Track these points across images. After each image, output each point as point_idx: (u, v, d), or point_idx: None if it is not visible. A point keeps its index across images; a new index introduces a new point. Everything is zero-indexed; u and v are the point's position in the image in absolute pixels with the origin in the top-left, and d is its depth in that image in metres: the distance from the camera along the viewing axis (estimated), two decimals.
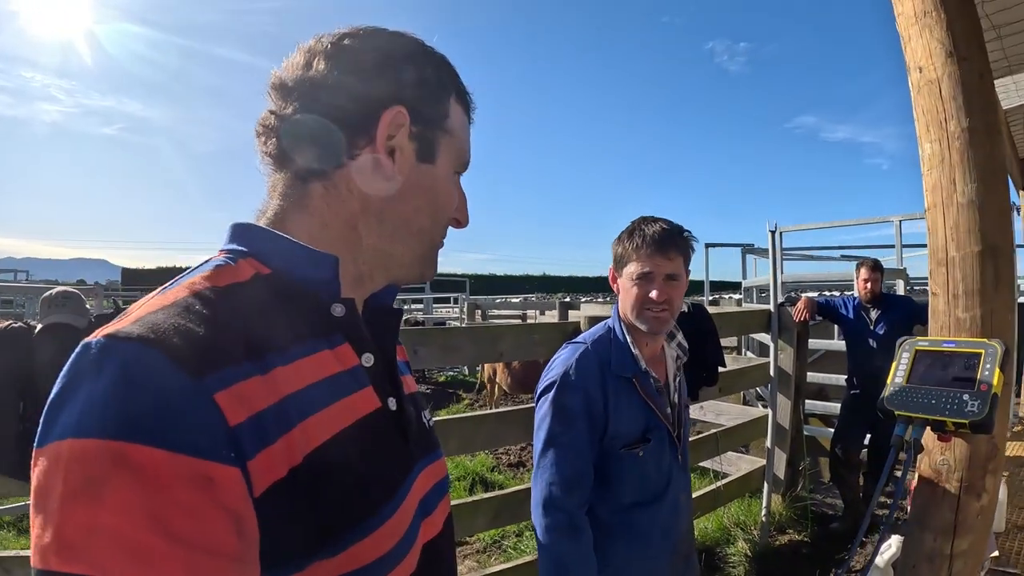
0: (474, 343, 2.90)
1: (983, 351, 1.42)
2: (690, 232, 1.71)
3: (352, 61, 0.70)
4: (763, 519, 4.30)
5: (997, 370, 1.39)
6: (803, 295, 4.65)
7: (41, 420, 0.52)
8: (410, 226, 0.74)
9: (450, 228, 0.82)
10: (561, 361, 1.74)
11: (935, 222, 1.65)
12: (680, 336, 1.93)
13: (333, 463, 0.61)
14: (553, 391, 1.68)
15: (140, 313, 0.57)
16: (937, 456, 1.65)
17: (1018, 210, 7.01)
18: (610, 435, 1.68)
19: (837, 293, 11.35)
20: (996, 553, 2.83)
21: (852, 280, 5.36)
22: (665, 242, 1.66)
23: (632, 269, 1.69)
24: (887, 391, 1.51)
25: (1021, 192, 7.07)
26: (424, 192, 0.74)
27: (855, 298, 4.79)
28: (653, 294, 1.65)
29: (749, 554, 3.96)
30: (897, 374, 1.51)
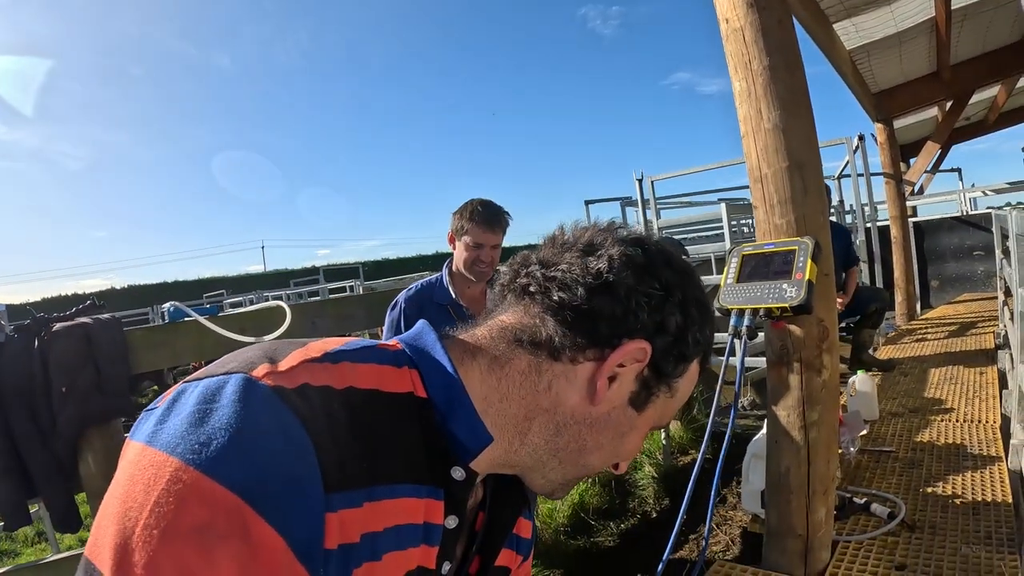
0: (367, 309, 3.16)
1: (797, 248, 1.72)
2: (508, 212, 2.38)
3: (635, 276, 0.67)
4: (663, 443, 4.68)
5: (810, 261, 1.69)
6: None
7: (164, 406, 0.52)
8: (581, 455, 0.70)
9: None
10: (402, 293, 2.47)
11: (749, 147, 1.94)
12: None
13: None
14: (388, 308, 2.46)
15: (307, 376, 0.56)
16: (778, 343, 1.95)
17: (874, 138, 7.71)
18: None
19: (711, 234, 12.03)
20: (865, 431, 3.23)
21: (722, 221, 5.73)
22: (492, 220, 2.32)
23: (468, 239, 2.32)
24: (720, 292, 1.78)
25: (876, 124, 7.75)
26: (615, 433, 0.70)
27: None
28: (483, 257, 2.33)
29: (656, 475, 4.30)
30: (728, 276, 1.79)
